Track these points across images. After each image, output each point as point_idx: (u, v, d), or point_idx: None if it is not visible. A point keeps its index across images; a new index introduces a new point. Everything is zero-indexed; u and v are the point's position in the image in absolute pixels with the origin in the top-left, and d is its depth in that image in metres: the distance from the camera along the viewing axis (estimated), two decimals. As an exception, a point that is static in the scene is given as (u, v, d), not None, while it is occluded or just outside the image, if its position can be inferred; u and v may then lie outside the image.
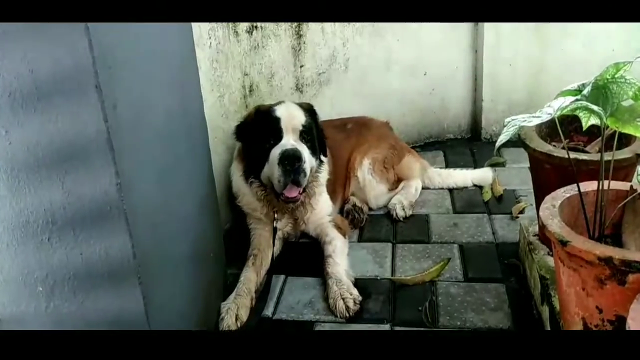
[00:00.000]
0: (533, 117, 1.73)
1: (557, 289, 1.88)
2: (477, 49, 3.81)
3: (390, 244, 2.83)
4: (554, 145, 2.30)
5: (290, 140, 2.51)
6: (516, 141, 3.80)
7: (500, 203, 3.12)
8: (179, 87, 2.10)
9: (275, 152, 2.47)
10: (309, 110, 2.68)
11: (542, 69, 3.74)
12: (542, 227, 1.76)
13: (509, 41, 3.71)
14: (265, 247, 2.68)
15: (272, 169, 2.48)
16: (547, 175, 2.25)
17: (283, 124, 2.51)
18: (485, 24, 3.68)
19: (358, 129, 3.23)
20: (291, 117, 2.55)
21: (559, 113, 1.69)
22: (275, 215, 2.65)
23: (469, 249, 2.73)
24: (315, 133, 2.65)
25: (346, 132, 3.17)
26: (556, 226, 1.72)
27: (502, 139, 2.07)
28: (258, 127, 2.54)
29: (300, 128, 2.56)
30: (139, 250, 1.68)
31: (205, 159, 2.36)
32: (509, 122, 1.79)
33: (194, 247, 2.17)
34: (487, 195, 3.20)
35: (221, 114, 2.86)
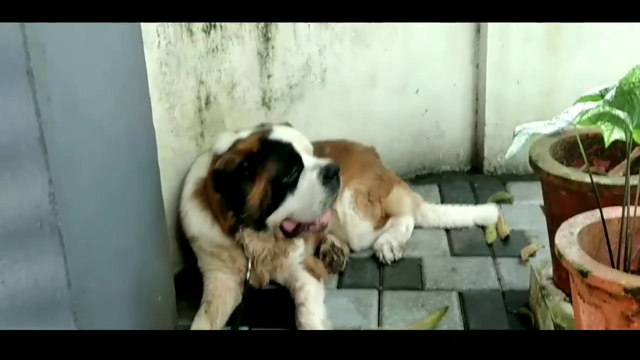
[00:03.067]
0: (548, 124, 1.87)
1: (577, 334, 1.97)
2: (479, 63, 4.02)
3: (376, 291, 2.91)
4: (572, 168, 2.44)
5: (313, 159, 2.68)
6: (525, 174, 4.09)
7: (506, 245, 3.25)
8: (123, 87, 2.20)
9: (312, 175, 2.61)
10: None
11: (555, 87, 3.94)
12: (559, 257, 1.87)
13: (516, 54, 3.92)
14: (222, 292, 2.74)
15: (309, 197, 2.60)
16: (564, 204, 2.38)
17: (297, 147, 2.67)
18: (489, 33, 3.88)
19: (337, 155, 3.31)
20: (300, 139, 2.73)
21: (578, 119, 1.82)
22: (250, 265, 2.75)
23: (470, 298, 2.83)
24: None
25: (323, 157, 3.29)
26: (575, 255, 1.83)
27: (512, 149, 2.21)
28: (263, 166, 2.60)
29: (312, 149, 2.76)
30: (74, 278, 1.73)
31: (153, 183, 2.44)
32: (519, 131, 1.92)
33: (139, 285, 2.23)
34: (492, 237, 3.32)
35: (171, 129, 2.96)
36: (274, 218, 2.65)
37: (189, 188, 2.82)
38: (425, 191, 3.87)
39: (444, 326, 2.64)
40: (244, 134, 2.74)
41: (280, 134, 2.70)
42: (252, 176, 2.60)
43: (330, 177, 2.62)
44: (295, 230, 2.69)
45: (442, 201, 3.80)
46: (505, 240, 3.30)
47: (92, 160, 1.94)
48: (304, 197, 2.62)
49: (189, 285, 2.84)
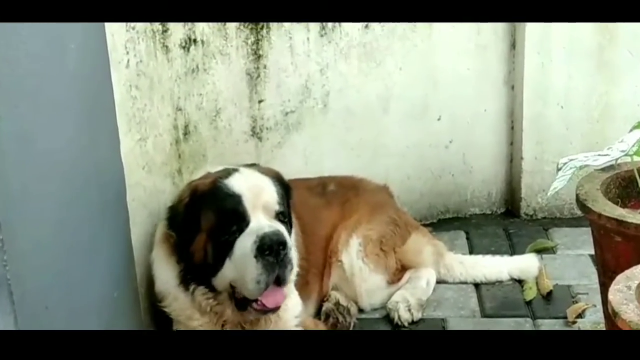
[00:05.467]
0: (598, 155, 1.93)
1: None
2: (515, 84, 4.09)
3: (390, 361, 2.97)
4: (629, 210, 2.51)
5: (263, 221, 2.66)
6: (571, 218, 4.15)
7: (549, 303, 3.30)
8: (85, 115, 2.29)
9: (247, 242, 2.60)
10: (279, 181, 2.86)
11: (606, 111, 4.00)
12: (614, 316, 1.90)
13: (559, 73, 3.97)
14: None
15: (242, 268, 2.62)
16: (619, 253, 2.46)
17: (247, 203, 2.66)
18: (526, 47, 3.93)
19: (343, 194, 3.43)
20: (258, 192, 2.71)
21: (636, 149, 1.87)
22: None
23: (507, 369, 2.89)
24: (289, 213, 2.85)
25: (326, 197, 3.38)
26: (633, 313, 1.87)
27: (555, 186, 2.28)
28: (204, 214, 2.67)
29: (276, 208, 2.73)
30: (26, 341, 1.79)
31: (121, 228, 2.50)
32: (564, 164, 1.98)
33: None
34: (531, 293, 3.38)
35: (142, 165, 3.01)
36: (219, 281, 2.70)
37: (159, 231, 2.88)
38: (450, 239, 3.91)
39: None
40: (216, 169, 2.82)
41: (235, 181, 2.71)
42: (197, 223, 2.67)
43: (265, 251, 2.58)
44: (242, 301, 2.70)
45: (471, 251, 3.85)
46: (548, 297, 3.35)
47: (50, 201, 2.01)
48: (238, 267, 2.64)
49: None
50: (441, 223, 4.16)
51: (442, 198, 4.19)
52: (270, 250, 2.58)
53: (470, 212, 4.27)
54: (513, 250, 3.82)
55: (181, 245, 2.72)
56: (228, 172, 2.77)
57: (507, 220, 4.20)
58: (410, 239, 3.47)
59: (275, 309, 2.69)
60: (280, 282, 2.64)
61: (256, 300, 2.66)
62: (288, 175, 3.01)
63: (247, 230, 2.63)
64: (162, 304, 2.85)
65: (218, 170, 2.81)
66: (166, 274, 2.81)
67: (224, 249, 2.65)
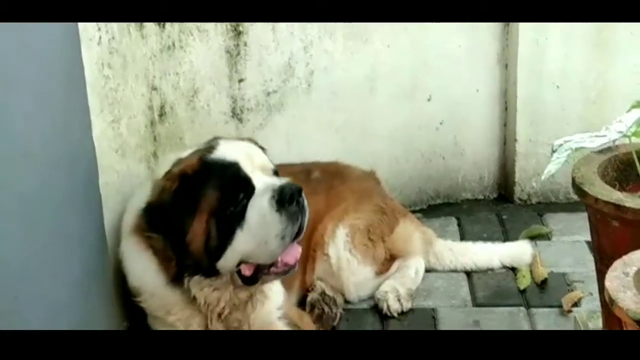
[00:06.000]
0: (595, 137, 1.93)
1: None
2: (508, 62, 4.09)
3: (378, 353, 2.98)
4: (627, 194, 2.49)
5: (268, 179, 2.67)
6: (566, 203, 4.16)
7: (543, 292, 3.32)
8: (54, 96, 2.26)
9: (262, 202, 2.59)
10: (257, 145, 2.86)
11: (604, 91, 4.00)
12: (611, 304, 1.90)
13: (555, 51, 3.97)
14: None
15: (262, 231, 2.59)
16: (616, 238, 2.45)
17: (246, 168, 2.66)
18: (521, 25, 3.91)
19: (328, 181, 3.42)
20: (250, 155, 2.71)
21: (634, 129, 1.87)
22: (211, 322, 2.78)
23: (498, 359, 2.90)
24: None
25: (310, 184, 3.32)
26: (631, 301, 1.86)
27: (550, 169, 2.27)
28: (203, 194, 2.62)
29: (272, 166, 2.76)
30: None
31: (94, 215, 2.48)
32: (559, 146, 1.98)
33: None
34: (525, 281, 3.39)
35: (115, 148, 2.99)
36: (225, 262, 2.66)
37: (129, 220, 2.82)
38: (440, 225, 3.92)
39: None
40: (186, 153, 2.77)
41: (224, 151, 2.70)
42: (191, 208, 2.61)
43: (286, 202, 2.60)
44: (255, 274, 2.70)
45: (462, 238, 3.86)
46: (542, 285, 3.36)
47: (17, 187, 1.99)
48: (255, 232, 2.62)
49: None
50: (431, 209, 4.16)
51: (432, 182, 4.19)
52: (292, 199, 2.59)
53: (462, 197, 4.27)
54: (506, 237, 3.83)
55: (173, 242, 2.64)
56: (210, 147, 2.75)
57: (500, 205, 4.21)
58: (398, 227, 3.47)
59: (293, 267, 2.70)
60: (298, 233, 2.65)
61: (273, 265, 2.65)
62: (269, 159, 2.95)
63: (256, 193, 2.62)
64: (138, 299, 2.83)
65: (193, 151, 2.76)
66: (141, 269, 2.77)
67: (233, 223, 2.62)
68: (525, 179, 4.16)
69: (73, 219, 2.33)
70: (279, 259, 2.66)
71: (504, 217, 4.07)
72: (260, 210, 2.60)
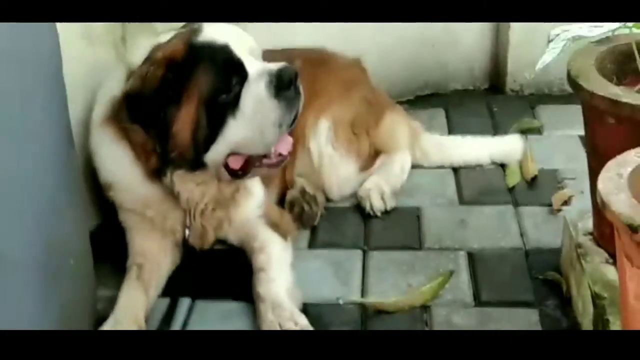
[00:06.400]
0: (594, 26, 1.85)
1: (621, 305, 1.98)
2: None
3: (359, 252, 2.96)
4: (624, 88, 2.42)
5: (260, 63, 2.58)
6: (560, 95, 4.09)
7: (533, 190, 3.30)
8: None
9: (258, 88, 2.51)
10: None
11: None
12: (602, 206, 1.87)
13: None
14: (155, 253, 2.77)
15: (258, 118, 2.52)
16: (611, 136, 2.38)
17: (237, 50, 2.56)
18: None
19: (311, 70, 3.25)
20: (238, 38, 2.61)
21: None
22: (188, 220, 2.75)
23: (483, 259, 2.87)
24: None
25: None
26: (623, 204, 1.79)
27: (544, 60, 2.21)
28: (193, 80, 2.52)
29: (259, 50, 2.66)
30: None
31: (58, 107, 2.34)
32: (555, 35, 1.90)
33: (43, 248, 2.22)
34: (514, 178, 3.36)
35: (80, 34, 2.89)
36: (214, 154, 2.57)
37: (99, 111, 2.73)
38: (428, 117, 3.85)
39: (447, 296, 2.68)
40: (166, 37, 2.64)
41: (212, 34, 2.58)
42: (177, 97, 2.50)
43: (284, 87, 2.52)
44: (244, 167, 2.63)
45: (450, 131, 3.81)
46: (532, 183, 3.33)
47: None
48: (250, 120, 2.53)
49: (110, 245, 2.84)
50: (419, 100, 4.12)
51: (420, 72, 4.12)
52: (290, 84, 2.52)
53: (451, 88, 4.22)
54: (496, 130, 3.78)
55: (156, 133, 2.54)
56: (194, 30, 2.62)
57: (490, 96, 4.17)
58: (384, 120, 3.41)
59: (284, 159, 2.66)
60: (293, 120, 2.59)
61: (265, 156, 2.60)
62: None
63: (250, 78, 2.53)
64: (111, 194, 2.78)
65: (173, 36, 2.63)
66: (115, 163, 2.70)
67: (225, 111, 2.53)
68: (518, 70, 4.09)
69: (36, 113, 2.22)
70: (273, 150, 2.60)
71: (495, 109, 4.02)
72: (256, 97, 2.52)
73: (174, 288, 2.77)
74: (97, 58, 2.93)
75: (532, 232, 3.02)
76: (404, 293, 2.71)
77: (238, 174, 2.64)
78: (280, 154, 2.62)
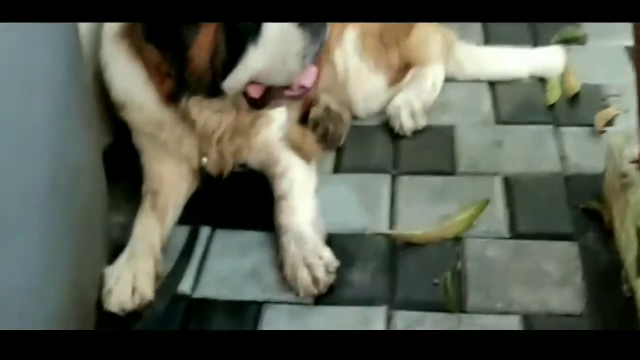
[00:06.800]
0: None
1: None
2: None
3: (387, 176, 2.89)
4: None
5: None
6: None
7: (574, 107, 3.18)
8: None
9: None
10: None
11: None
12: None
13: None
14: (171, 180, 2.73)
15: (280, 47, 2.42)
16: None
17: None
18: None
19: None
20: None
21: None
22: (209, 146, 2.68)
23: (520, 184, 2.79)
24: None
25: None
26: None
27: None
28: None
29: None
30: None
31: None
32: None
33: (50, 172, 2.16)
34: (554, 94, 3.23)
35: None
36: (233, 81, 2.47)
37: (114, 31, 2.63)
38: (462, 25, 3.69)
39: (481, 227, 2.61)
40: None
41: None
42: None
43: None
44: (264, 97, 2.54)
45: (487, 39, 3.69)
46: (573, 100, 3.22)
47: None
48: (271, 48, 2.42)
49: (124, 166, 2.82)
50: None
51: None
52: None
53: None
54: (535, 40, 3.63)
55: (172, 55, 2.46)
56: None
57: None
58: (415, 29, 3.28)
59: (311, 89, 2.57)
60: (317, 52, 2.49)
61: (286, 87, 2.50)
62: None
63: None
64: (123, 114, 2.71)
65: None
66: (128, 81, 2.61)
67: (245, 37, 2.42)
68: (563, -33, 3.94)
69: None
70: (295, 80, 2.49)
71: (534, 14, 3.89)
72: (279, 24, 2.40)
73: (192, 216, 2.73)
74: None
75: (573, 155, 2.92)
76: (435, 223, 2.64)
77: (257, 104, 2.54)
78: (302, 86, 2.50)
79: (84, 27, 2.51)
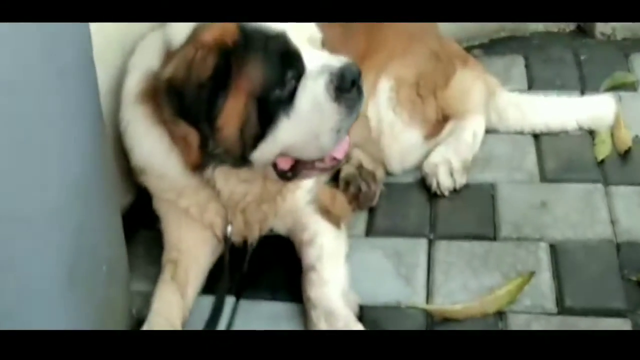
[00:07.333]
0: None
1: None
2: None
3: (424, 241, 2.84)
4: None
5: (319, 56, 2.43)
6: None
7: (626, 164, 3.12)
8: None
9: (317, 87, 2.37)
10: None
11: None
12: None
13: None
14: (192, 246, 2.69)
15: (314, 121, 2.39)
16: None
17: (295, 39, 2.42)
18: None
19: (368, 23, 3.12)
20: (300, 24, 2.47)
21: None
22: (233, 215, 2.66)
23: (566, 253, 2.74)
24: None
25: (345, 25, 3.04)
26: None
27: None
28: (245, 70, 2.37)
29: (319, 35, 2.51)
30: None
31: (85, 73, 2.24)
32: None
33: (72, 253, 2.19)
34: (604, 149, 3.17)
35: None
36: (262, 153, 2.43)
37: (133, 84, 2.60)
38: (504, 66, 3.67)
39: (525, 301, 2.55)
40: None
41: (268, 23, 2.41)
42: (226, 87, 2.36)
43: (346, 89, 2.36)
44: (294, 168, 2.49)
45: (530, 83, 3.65)
46: (626, 155, 3.15)
47: None
48: (305, 122, 2.38)
49: (145, 223, 2.84)
50: (494, 45, 3.97)
51: (494, 13, 3.97)
52: (352, 85, 2.37)
53: (531, 30, 4.06)
54: (584, 85, 3.56)
55: (199, 127, 2.42)
56: None
57: (577, 40, 3.99)
58: (455, 78, 3.24)
59: (343, 160, 2.56)
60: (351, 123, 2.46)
61: (322, 159, 2.48)
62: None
63: (308, 74, 2.39)
64: (143, 179, 2.69)
65: None
66: (149, 147, 2.58)
67: (277, 108, 2.39)
68: (610, 10, 3.90)
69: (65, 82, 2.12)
70: (326, 157, 2.46)
71: (582, 57, 3.81)
72: (314, 97, 2.37)
73: (216, 285, 2.69)
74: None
75: (624, 219, 2.85)
76: (475, 295, 2.57)
77: (287, 176, 2.50)
78: (334, 158, 2.46)
79: (104, 86, 2.48)
